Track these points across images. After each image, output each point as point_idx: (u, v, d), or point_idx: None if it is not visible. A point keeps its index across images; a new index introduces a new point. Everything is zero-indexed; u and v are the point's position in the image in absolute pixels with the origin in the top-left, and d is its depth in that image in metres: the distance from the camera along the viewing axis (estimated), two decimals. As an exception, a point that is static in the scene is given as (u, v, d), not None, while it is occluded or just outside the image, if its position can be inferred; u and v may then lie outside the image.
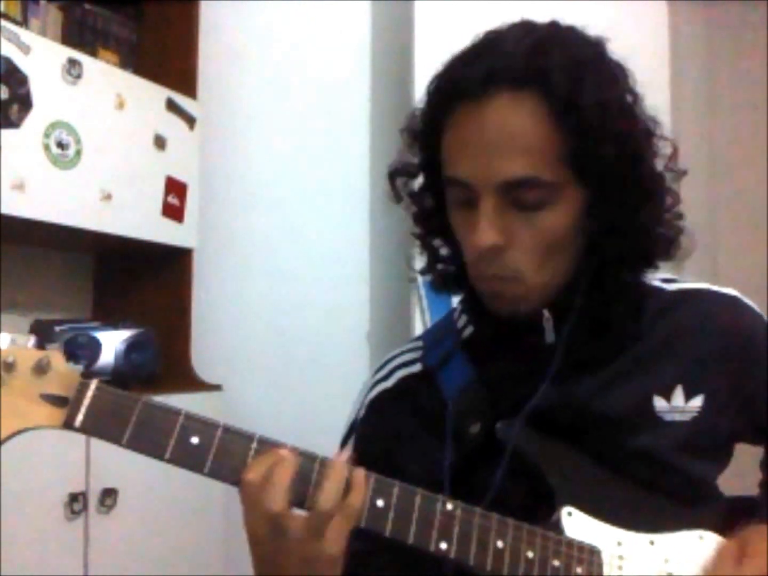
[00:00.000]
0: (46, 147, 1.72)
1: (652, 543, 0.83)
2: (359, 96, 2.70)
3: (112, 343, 1.84)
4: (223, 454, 0.71)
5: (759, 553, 0.80)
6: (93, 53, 1.96)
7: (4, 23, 1.66)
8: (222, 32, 2.38)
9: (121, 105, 1.90)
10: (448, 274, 0.93)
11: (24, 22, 1.84)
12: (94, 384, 0.70)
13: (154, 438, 0.70)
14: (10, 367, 0.68)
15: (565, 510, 0.82)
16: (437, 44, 2.27)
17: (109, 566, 1.70)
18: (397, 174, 0.93)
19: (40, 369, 0.69)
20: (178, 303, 2.10)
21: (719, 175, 2.96)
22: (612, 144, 0.78)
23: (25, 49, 1.68)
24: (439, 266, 0.94)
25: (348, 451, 0.75)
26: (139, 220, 1.95)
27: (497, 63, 0.78)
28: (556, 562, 0.78)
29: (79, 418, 0.69)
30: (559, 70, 0.76)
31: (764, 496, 0.97)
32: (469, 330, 0.95)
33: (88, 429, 0.69)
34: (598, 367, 0.87)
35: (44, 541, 1.59)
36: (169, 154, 2.02)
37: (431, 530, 0.74)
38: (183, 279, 2.10)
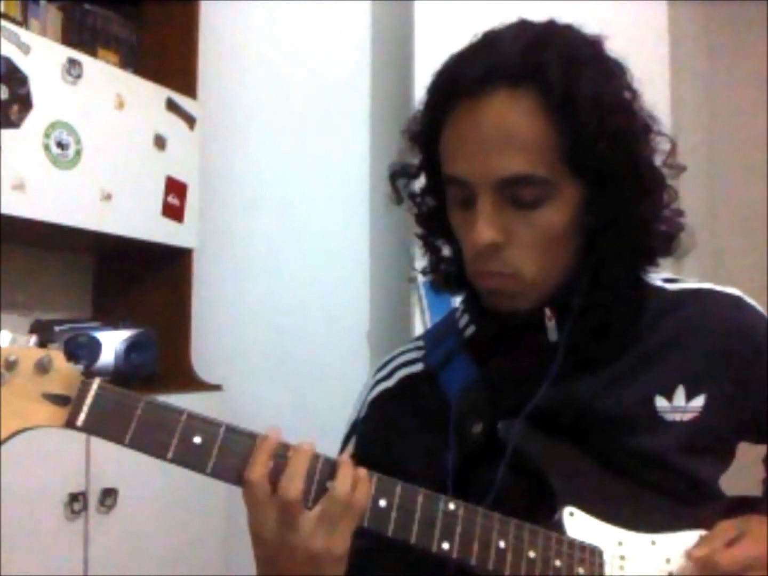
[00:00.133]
0: (46, 147, 1.72)
1: (653, 543, 0.83)
2: (359, 96, 2.70)
3: (112, 343, 1.84)
4: (225, 453, 0.71)
5: (755, 536, 0.80)
6: (93, 53, 1.96)
7: (4, 23, 1.66)
8: (222, 32, 2.38)
9: (121, 105, 1.89)
10: (450, 274, 0.93)
11: (24, 22, 1.84)
12: (96, 383, 0.70)
13: (157, 437, 0.70)
14: (11, 365, 0.68)
15: (567, 510, 0.82)
16: (437, 44, 2.26)
17: (109, 566, 1.70)
18: (397, 175, 0.93)
19: (42, 368, 0.69)
20: (178, 303, 2.10)
21: (719, 175, 2.96)
22: (609, 140, 0.78)
23: (25, 49, 1.67)
24: (441, 266, 0.94)
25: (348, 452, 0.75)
26: (139, 220, 1.95)
27: (494, 60, 0.78)
28: (558, 562, 0.78)
29: (81, 417, 0.69)
30: (555, 66, 0.77)
31: (766, 491, 0.97)
32: (470, 330, 0.95)
33: (90, 428, 0.69)
34: (599, 366, 0.87)
35: (44, 541, 1.59)
36: (169, 154, 2.02)
37: (433, 530, 0.74)
38: (183, 279, 2.10)
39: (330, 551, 0.70)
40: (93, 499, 1.68)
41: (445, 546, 0.74)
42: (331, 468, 0.72)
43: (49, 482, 1.60)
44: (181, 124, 2.06)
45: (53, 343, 0.72)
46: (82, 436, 1.58)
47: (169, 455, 0.70)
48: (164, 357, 1.99)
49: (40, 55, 1.71)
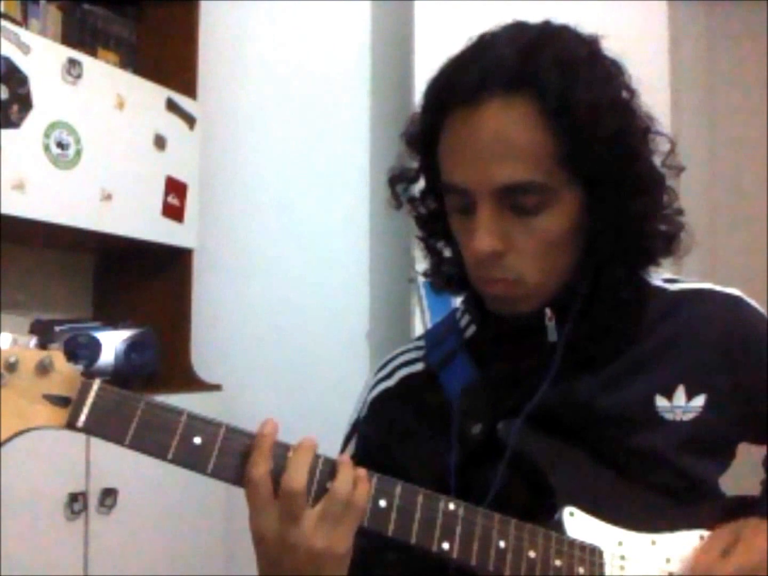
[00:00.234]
0: (46, 147, 1.72)
1: (653, 543, 0.83)
2: (359, 96, 2.70)
3: (112, 343, 1.84)
4: (225, 454, 0.71)
5: (750, 542, 0.80)
6: (93, 53, 1.96)
7: (4, 23, 1.66)
8: (222, 32, 2.38)
9: (121, 105, 1.89)
10: (451, 275, 0.93)
11: (24, 22, 1.84)
12: (96, 384, 0.70)
13: (157, 438, 0.70)
14: (12, 367, 0.68)
15: (567, 510, 0.82)
16: (437, 44, 2.27)
17: (109, 566, 1.70)
18: (396, 180, 0.93)
19: (43, 369, 0.69)
20: (178, 303, 2.10)
21: (719, 175, 2.96)
22: (606, 143, 0.77)
23: (25, 49, 1.67)
24: (442, 268, 0.94)
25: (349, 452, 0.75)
26: (139, 220, 1.95)
27: (489, 67, 0.77)
28: (558, 562, 0.78)
29: (82, 418, 0.69)
30: (551, 71, 0.76)
31: (765, 493, 0.97)
32: (471, 330, 0.95)
33: (90, 429, 0.69)
34: (599, 366, 0.87)
35: (44, 541, 1.59)
36: (169, 154, 2.02)
37: (433, 530, 0.74)
38: (183, 279, 2.10)
39: (331, 550, 0.70)
40: (93, 499, 1.68)
41: (445, 546, 0.74)
42: (331, 468, 0.72)
43: (49, 482, 1.60)
44: (181, 124, 2.07)
45: (53, 343, 0.72)
46: (82, 436, 1.58)
47: (170, 456, 0.70)
48: (164, 357, 1.99)
49: (40, 55, 1.71)
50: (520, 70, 0.76)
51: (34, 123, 1.69)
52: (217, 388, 2.07)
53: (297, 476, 0.70)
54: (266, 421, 0.72)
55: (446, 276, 0.94)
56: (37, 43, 1.71)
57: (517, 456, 0.83)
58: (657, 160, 0.85)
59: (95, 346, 1.81)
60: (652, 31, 2.61)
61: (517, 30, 0.82)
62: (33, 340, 0.70)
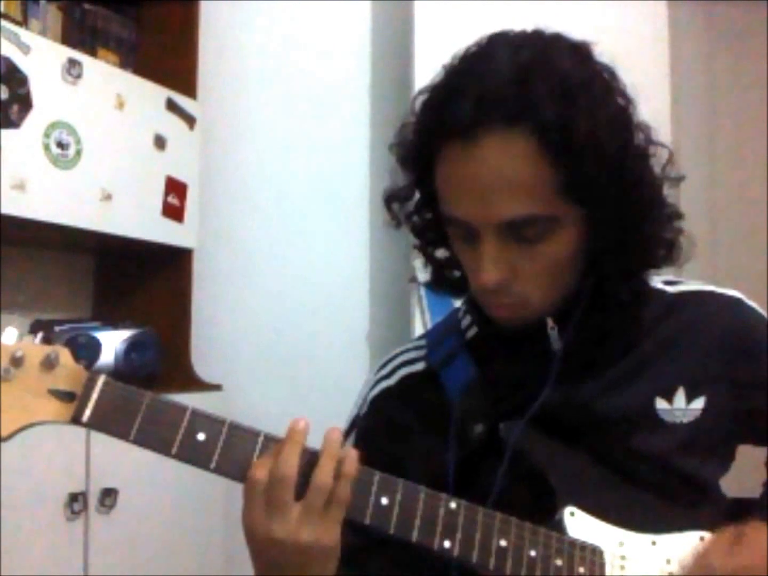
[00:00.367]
0: (46, 147, 1.72)
1: (654, 543, 0.83)
2: (359, 96, 2.70)
3: (112, 343, 1.84)
4: (229, 450, 0.71)
5: (750, 547, 0.80)
6: (93, 53, 1.96)
7: (4, 23, 1.66)
8: (222, 32, 2.38)
9: (121, 105, 1.89)
10: (452, 280, 0.94)
11: (24, 22, 1.84)
12: (102, 379, 0.70)
13: (161, 433, 0.70)
14: (18, 361, 0.68)
15: (568, 510, 0.82)
16: (437, 44, 2.27)
17: (109, 566, 1.70)
18: (392, 200, 0.92)
19: (49, 364, 0.70)
20: (178, 303, 2.10)
21: (719, 175, 2.96)
22: (608, 167, 0.76)
23: (25, 49, 1.67)
24: (443, 274, 0.94)
25: (338, 430, 0.75)
26: (139, 220, 1.95)
27: (484, 98, 0.75)
28: (559, 562, 0.78)
29: (87, 413, 0.69)
30: (547, 101, 0.74)
31: (766, 494, 0.97)
32: (473, 330, 0.95)
33: (95, 424, 0.70)
34: (600, 369, 0.88)
35: (44, 541, 1.59)
36: (169, 154, 2.02)
37: (435, 529, 0.74)
38: (183, 279, 2.10)
39: (318, 544, 0.70)
40: (93, 499, 1.67)
41: (446, 544, 0.74)
42: (314, 459, 0.72)
43: (49, 482, 1.59)
44: (181, 124, 2.06)
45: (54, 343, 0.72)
46: (83, 435, 1.59)
47: (173, 451, 0.70)
48: (164, 357, 1.99)
49: (40, 55, 1.71)
50: (516, 102, 0.75)
51: (34, 123, 1.69)
52: (217, 388, 2.07)
53: (287, 463, 0.70)
54: (298, 419, 0.73)
55: (448, 281, 0.94)
56: (37, 43, 1.71)
57: (518, 457, 0.83)
58: (656, 170, 0.85)
59: (95, 346, 1.81)
60: (652, 32, 2.61)
61: (510, 50, 0.79)
62: (39, 336, 0.70)
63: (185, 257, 2.10)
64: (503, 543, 0.76)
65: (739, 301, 0.93)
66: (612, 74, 0.82)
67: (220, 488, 1.94)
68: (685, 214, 0.89)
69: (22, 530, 1.54)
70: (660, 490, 0.85)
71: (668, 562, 0.83)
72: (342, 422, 0.99)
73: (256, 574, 0.76)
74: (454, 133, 0.77)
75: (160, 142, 2.00)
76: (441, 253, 0.94)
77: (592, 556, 0.80)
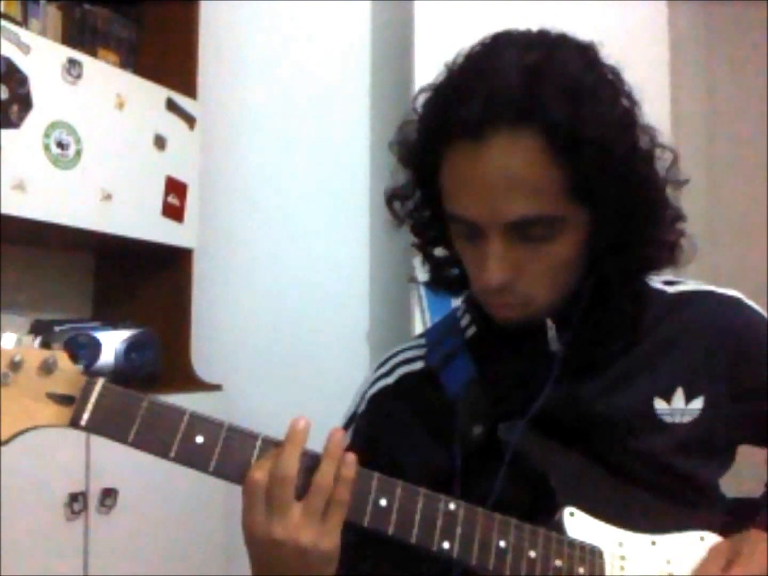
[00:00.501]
0: (46, 147, 1.72)
1: (653, 543, 0.83)
2: (359, 96, 2.70)
3: (112, 343, 1.84)
4: (227, 453, 0.71)
5: (751, 555, 0.80)
6: (93, 53, 1.95)
7: (4, 23, 1.66)
8: (222, 32, 2.38)
9: (121, 105, 1.89)
10: (451, 279, 0.93)
11: (24, 22, 1.84)
12: (100, 383, 0.70)
13: (159, 437, 0.70)
14: (16, 366, 0.69)
15: (567, 510, 0.82)
16: (437, 44, 2.27)
17: (109, 566, 1.70)
18: (393, 199, 0.92)
19: (47, 368, 0.70)
20: (178, 303, 2.10)
21: (719, 175, 2.96)
22: (615, 169, 0.77)
23: (25, 49, 1.67)
24: (442, 273, 0.94)
25: (341, 432, 0.75)
26: (139, 220, 1.95)
27: (492, 99, 0.75)
28: (559, 562, 0.78)
29: (85, 416, 0.69)
30: (555, 101, 0.74)
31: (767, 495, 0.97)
32: (472, 330, 0.95)
33: (94, 428, 0.70)
34: (599, 369, 0.88)
35: (44, 541, 1.59)
36: (169, 154, 2.02)
37: (434, 530, 0.74)
38: (183, 279, 2.10)
39: (317, 547, 0.70)
40: (93, 499, 1.67)
41: (446, 546, 0.74)
42: (315, 461, 0.72)
43: (49, 482, 1.60)
44: (181, 124, 2.06)
45: (53, 344, 0.73)
46: (82, 436, 1.58)
47: (172, 455, 0.70)
48: (164, 357, 1.99)
49: (40, 55, 1.71)
50: (525, 101, 0.75)
51: (34, 123, 1.69)
52: (217, 388, 2.07)
53: (288, 463, 0.70)
54: (299, 417, 0.73)
55: (447, 280, 0.94)
56: (37, 43, 1.71)
57: (518, 457, 0.83)
58: (660, 172, 0.85)
59: (95, 346, 1.81)
60: (652, 32, 2.61)
61: (517, 49, 0.79)
62: (37, 340, 0.70)
63: (185, 257, 2.10)
64: (502, 544, 0.76)
65: (738, 301, 0.93)
66: (617, 76, 0.82)
67: (220, 488, 1.94)
68: (685, 214, 0.89)
69: (22, 530, 1.54)
70: (659, 490, 0.85)
71: (668, 562, 0.83)
72: (341, 422, 0.99)
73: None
74: (462, 132, 0.77)
75: (160, 142, 2.00)
76: (440, 251, 0.94)
77: (592, 557, 0.80)
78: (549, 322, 0.86)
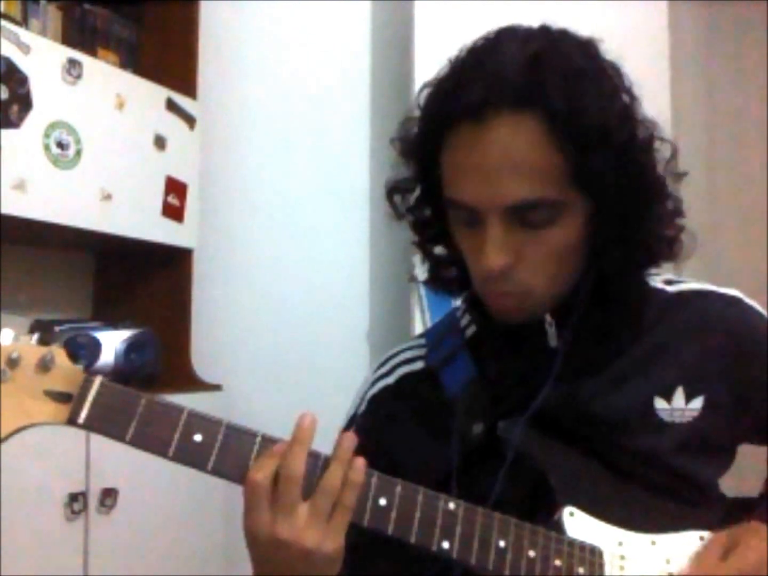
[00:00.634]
0: (46, 147, 1.72)
1: (653, 543, 0.83)
2: (359, 96, 2.70)
3: (112, 343, 1.84)
4: (226, 451, 0.71)
5: (747, 548, 0.80)
6: (93, 53, 1.96)
7: (4, 23, 1.66)
8: (222, 32, 2.38)
9: (121, 105, 1.90)
10: (450, 278, 0.93)
11: (24, 22, 1.84)
12: (98, 380, 0.70)
13: (158, 435, 0.70)
14: (14, 362, 0.68)
15: (567, 510, 0.82)
16: (437, 44, 2.27)
17: (109, 566, 1.70)
18: (394, 192, 0.92)
19: (44, 365, 0.69)
20: (178, 303, 2.10)
21: (719, 175, 2.96)
22: (615, 158, 0.77)
23: (25, 49, 1.67)
24: (441, 272, 0.94)
25: (352, 436, 0.74)
26: (139, 220, 1.95)
27: (494, 82, 0.76)
28: (558, 562, 0.78)
29: (83, 414, 0.69)
30: (557, 88, 0.75)
31: (766, 494, 0.97)
32: (471, 329, 0.95)
33: (91, 425, 0.69)
34: (599, 368, 0.87)
35: (44, 541, 1.59)
36: (169, 154, 2.02)
37: (433, 529, 0.74)
38: (183, 279, 2.10)
39: (322, 548, 0.70)
40: (93, 499, 1.68)
41: (445, 545, 0.74)
42: (323, 462, 0.72)
43: (49, 482, 1.60)
44: (181, 124, 2.07)
45: (53, 343, 0.72)
46: (82, 436, 1.59)
47: (170, 453, 0.70)
48: (164, 357, 1.99)
49: (40, 55, 1.71)
50: (527, 86, 0.75)
51: (34, 123, 1.69)
52: (217, 388, 2.07)
53: (296, 463, 0.70)
54: (304, 414, 0.73)
55: (446, 279, 0.94)
56: (37, 43, 1.71)
57: (518, 456, 0.83)
58: (660, 166, 0.85)
59: (95, 346, 1.81)
60: (652, 31, 2.61)
61: (520, 40, 0.80)
62: (35, 337, 0.70)
63: (185, 257, 2.10)
64: (502, 543, 0.76)
65: (738, 300, 0.93)
66: (618, 71, 0.82)
67: (220, 488, 1.94)
68: (685, 214, 0.89)
69: (22, 530, 1.54)
70: (659, 490, 0.85)
71: (668, 561, 0.82)
72: (341, 422, 0.99)
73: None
74: (463, 116, 0.77)
75: (160, 142, 2.00)
76: (439, 250, 0.94)
77: (592, 556, 0.80)
78: (548, 318, 0.86)
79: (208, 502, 1.95)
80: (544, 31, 0.83)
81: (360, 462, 0.73)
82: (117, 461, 1.68)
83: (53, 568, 1.59)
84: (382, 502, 0.73)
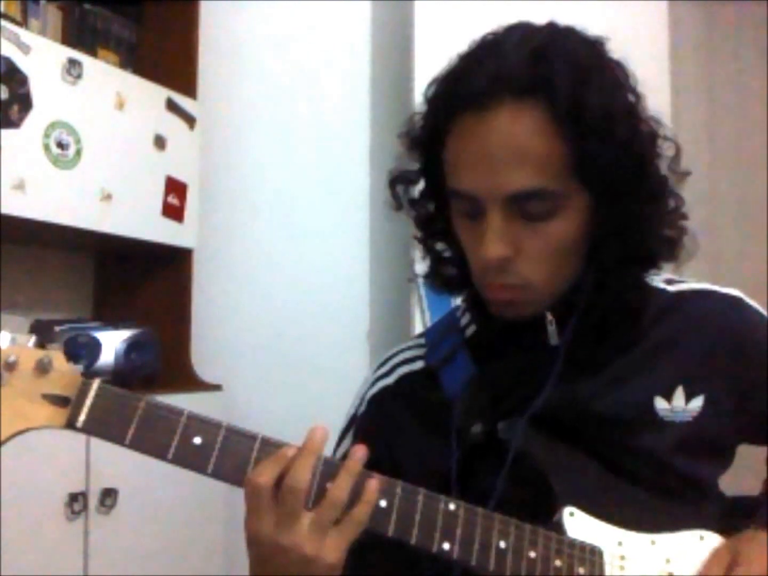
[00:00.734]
0: (46, 147, 1.72)
1: (653, 543, 0.83)
2: (359, 96, 2.69)
3: (112, 343, 1.84)
4: (226, 454, 0.71)
5: (751, 555, 0.80)
6: (93, 53, 1.96)
7: (4, 23, 1.66)
8: (222, 32, 2.38)
9: (121, 105, 1.89)
10: (451, 276, 0.93)
11: (24, 22, 1.84)
12: (96, 384, 0.70)
13: (157, 438, 0.70)
14: (11, 366, 0.68)
15: (567, 510, 0.82)
16: (437, 44, 2.27)
17: (109, 566, 1.70)
18: (397, 182, 0.93)
19: (42, 369, 0.69)
20: (178, 303, 2.10)
21: (719, 175, 2.96)
22: (617, 151, 0.77)
23: (25, 49, 1.67)
24: (442, 269, 0.94)
25: (364, 449, 0.74)
26: (139, 220, 1.95)
27: (499, 72, 0.76)
28: (559, 562, 0.78)
29: (81, 418, 0.69)
30: (561, 78, 0.75)
31: (766, 493, 0.97)
32: (471, 329, 0.95)
33: (90, 429, 0.69)
34: (599, 368, 0.87)
35: (44, 541, 1.59)
36: (169, 154, 2.02)
37: (434, 531, 0.74)
38: (183, 279, 2.10)
39: (322, 558, 0.70)
40: (93, 499, 1.68)
41: (446, 546, 0.74)
42: (332, 471, 0.72)
43: (49, 482, 1.60)
44: (181, 124, 2.06)
45: (53, 343, 0.72)
46: (82, 436, 1.58)
47: (170, 456, 0.70)
48: (164, 357, 1.99)
49: (40, 55, 1.71)
50: (531, 76, 0.76)
51: (34, 123, 1.69)
52: (217, 388, 2.07)
53: (301, 474, 0.69)
54: (317, 427, 0.72)
55: (445, 277, 0.94)
56: (37, 43, 1.71)
57: (518, 456, 0.83)
58: (663, 165, 0.85)
59: (95, 346, 1.81)
60: (652, 31, 2.61)
61: (525, 33, 0.81)
62: (32, 340, 0.70)
63: (185, 257, 2.10)
64: (502, 544, 0.76)
65: (739, 300, 0.93)
66: (623, 69, 0.83)
67: (221, 488, 1.92)
68: (687, 216, 0.89)
69: (22, 530, 1.54)
70: (659, 490, 0.85)
71: (667, 561, 0.82)
72: (341, 422, 0.99)
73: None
74: (467, 105, 0.78)
75: (160, 142, 2.00)
76: (441, 246, 0.94)
77: (592, 557, 0.80)
78: (549, 316, 0.86)
79: (208, 503, 1.95)
80: (551, 26, 0.83)
81: (373, 483, 0.72)
82: (117, 461, 1.68)
83: (53, 568, 1.59)
84: (383, 503, 0.73)
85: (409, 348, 0.99)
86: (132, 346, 1.87)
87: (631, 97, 0.81)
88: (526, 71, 0.76)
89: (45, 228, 1.76)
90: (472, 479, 0.85)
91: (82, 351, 1.77)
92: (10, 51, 1.64)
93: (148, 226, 1.97)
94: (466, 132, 0.79)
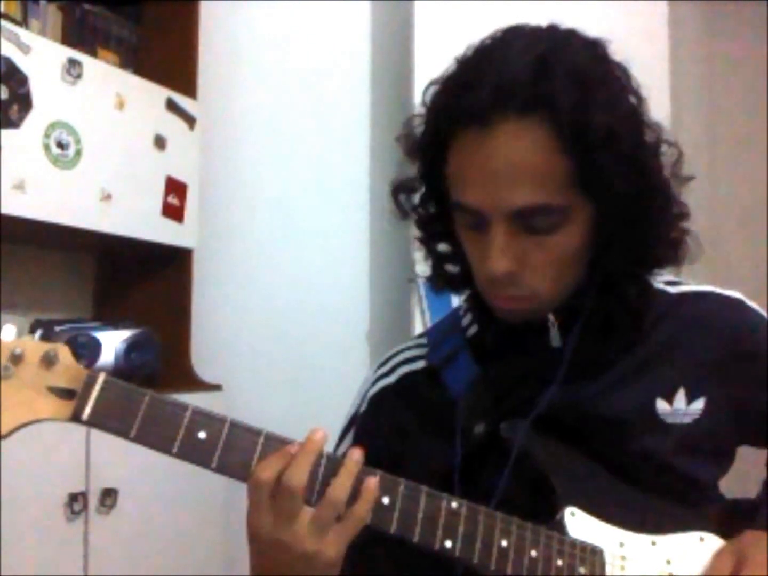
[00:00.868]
0: (46, 147, 1.72)
1: (653, 544, 0.83)
2: (359, 96, 2.70)
3: (112, 343, 1.84)
4: (230, 449, 0.71)
5: (756, 563, 0.80)
6: (93, 53, 1.95)
7: (4, 23, 1.66)
8: (222, 32, 2.38)
9: (121, 105, 1.89)
10: (452, 275, 0.93)
11: (24, 22, 1.84)
12: (102, 377, 0.70)
13: (162, 432, 0.70)
14: (18, 359, 0.68)
15: (569, 510, 0.82)
16: (437, 44, 2.27)
17: (109, 566, 1.70)
18: (399, 190, 0.92)
19: (48, 361, 0.69)
20: (178, 303, 2.10)
21: (719, 175, 2.96)
22: (621, 163, 0.77)
23: (25, 49, 1.67)
24: (443, 269, 0.94)
25: (360, 451, 0.74)
26: (139, 220, 1.95)
27: (501, 86, 0.75)
28: (560, 562, 0.78)
29: (87, 411, 0.69)
30: (564, 93, 0.75)
31: (765, 494, 0.97)
32: (473, 328, 0.95)
33: (95, 422, 0.69)
34: (601, 370, 0.88)
35: (44, 541, 1.58)
36: (169, 154, 2.02)
37: (436, 529, 0.74)
38: (183, 279, 2.10)
39: (322, 554, 0.70)
40: (93, 499, 1.67)
41: (448, 544, 0.74)
42: (333, 469, 0.72)
43: (49, 482, 1.59)
44: (181, 124, 2.06)
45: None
46: (83, 436, 1.58)
47: (174, 450, 0.70)
48: (164, 357, 1.99)
49: (40, 55, 1.71)
50: (534, 92, 0.75)
51: (34, 123, 1.69)
52: (217, 388, 2.06)
53: (298, 474, 0.70)
54: (317, 429, 0.73)
55: (447, 276, 0.94)
56: (37, 43, 1.71)
57: (520, 456, 0.83)
58: (666, 170, 0.85)
59: (95, 346, 1.81)
60: (652, 31, 2.62)
61: (527, 41, 0.79)
62: (37, 333, 0.70)
63: (185, 257, 2.10)
64: (504, 543, 0.76)
65: (740, 302, 0.93)
66: (625, 72, 0.82)
67: (221, 488, 1.94)
68: (689, 212, 0.89)
69: (22, 530, 1.53)
70: (660, 491, 0.85)
71: (668, 562, 0.83)
72: (342, 422, 0.99)
73: (255, 574, 0.75)
74: (469, 120, 0.77)
75: (160, 142, 2.00)
76: (443, 247, 0.94)
77: (593, 557, 0.80)
78: (551, 318, 0.86)
79: (208, 502, 1.95)
80: (552, 31, 0.82)
81: (372, 482, 0.72)
82: (117, 461, 1.68)
83: (53, 568, 1.59)
84: (385, 500, 0.73)
85: (410, 348, 0.99)
86: (132, 346, 1.87)
87: (633, 100, 0.81)
88: (529, 86, 0.75)
89: (45, 228, 1.76)
90: (474, 478, 0.85)
91: (83, 351, 1.77)
92: (10, 51, 1.64)
93: (148, 226, 1.97)
94: (469, 148, 0.78)
